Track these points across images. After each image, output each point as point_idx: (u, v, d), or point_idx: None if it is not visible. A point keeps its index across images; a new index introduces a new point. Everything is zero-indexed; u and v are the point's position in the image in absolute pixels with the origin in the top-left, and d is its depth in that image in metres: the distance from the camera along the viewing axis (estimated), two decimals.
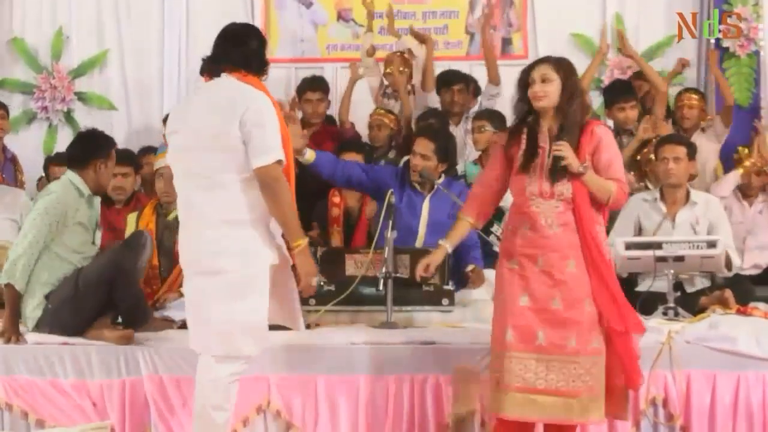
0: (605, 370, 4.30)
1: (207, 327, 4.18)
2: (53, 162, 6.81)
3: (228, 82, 4.19)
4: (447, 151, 5.79)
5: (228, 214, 4.11)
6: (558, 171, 4.27)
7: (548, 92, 4.31)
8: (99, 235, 5.34)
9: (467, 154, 7.18)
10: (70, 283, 4.96)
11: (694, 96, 7.23)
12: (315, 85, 7.32)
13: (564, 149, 4.25)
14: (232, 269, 4.11)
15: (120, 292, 4.96)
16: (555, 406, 4.24)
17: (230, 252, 4.10)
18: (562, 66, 4.37)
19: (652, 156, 6.37)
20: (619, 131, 7.00)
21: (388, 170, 5.91)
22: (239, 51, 4.23)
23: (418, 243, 5.62)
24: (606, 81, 7.95)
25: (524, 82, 4.37)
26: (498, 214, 5.61)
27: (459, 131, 7.27)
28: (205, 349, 4.21)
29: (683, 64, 7.61)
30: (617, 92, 7.16)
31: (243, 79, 4.19)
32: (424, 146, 5.73)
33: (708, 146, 6.78)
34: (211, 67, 4.27)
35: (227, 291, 4.12)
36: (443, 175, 5.81)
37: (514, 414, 4.28)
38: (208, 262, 4.13)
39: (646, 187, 6.42)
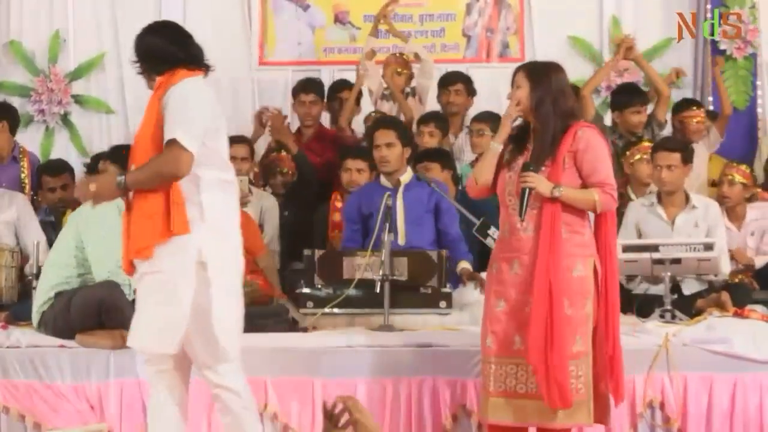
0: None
1: None
2: (44, 172, 6.77)
3: None
4: (407, 135, 5.94)
5: None
6: (527, 202, 4.22)
7: (518, 98, 4.32)
8: None
9: (465, 158, 7.17)
10: (65, 300, 4.95)
11: (697, 109, 7.13)
12: (308, 87, 7.32)
13: (530, 179, 4.21)
14: None
15: (109, 320, 4.93)
16: (538, 410, 4.20)
17: None
18: (533, 70, 4.38)
19: (638, 157, 6.36)
20: (624, 134, 6.97)
21: (352, 201, 5.98)
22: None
23: (401, 239, 5.63)
24: (604, 84, 7.94)
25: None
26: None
27: (461, 134, 7.27)
28: None
29: (678, 74, 7.55)
30: (630, 96, 7.07)
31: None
32: (385, 135, 5.81)
33: (699, 154, 6.69)
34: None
35: None
36: (410, 168, 5.90)
37: (496, 419, 4.29)
38: None
39: (629, 198, 6.37)
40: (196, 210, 3.93)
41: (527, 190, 4.22)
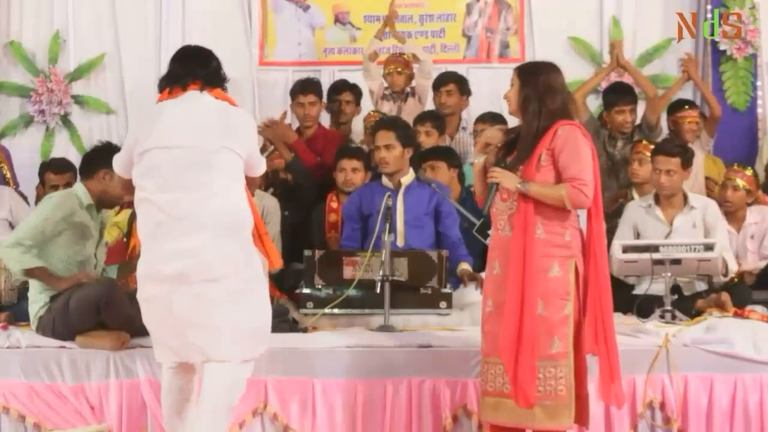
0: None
1: (221, 333, 4.14)
2: (49, 169, 6.78)
3: (208, 99, 4.29)
4: (408, 136, 5.90)
5: (233, 221, 4.20)
6: (493, 197, 4.32)
7: (508, 97, 4.41)
8: (103, 250, 5.36)
9: (469, 159, 7.16)
10: (62, 302, 4.95)
11: (690, 109, 7.13)
12: (307, 87, 7.29)
13: (496, 174, 4.29)
14: (234, 274, 4.12)
15: (110, 319, 4.93)
16: (519, 411, 4.20)
17: (234, 258, 4.14)
18: (523, 70, 4.43)
19: (636, 157, 6.39)
20: (614, 135, 6.99)
21: (352, 200, 5.97)
22: (206, 69, 4.36)
23: (399, 240, 5.63)
24: (603, 85, 7.94)
25: None
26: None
27: (460, 135, 7.27)
28: (229, 356, 4.16)
29: (686, 67, 7.48)
30: (617, 95, 7.09)
31: (220, 95, 4.33)
32: (384, 137, 5.81)
33: (696, 155, 6.68)
34: (175, 84, 4.33)
35: (234, 295, 4.14)
36: (412, 169, 5.88)
37: (487, 417, 4.34)
38: (216, 268, 4.11)
39: (631, 197, 6.37)
40: None
41: (494, 186, 4.30)
